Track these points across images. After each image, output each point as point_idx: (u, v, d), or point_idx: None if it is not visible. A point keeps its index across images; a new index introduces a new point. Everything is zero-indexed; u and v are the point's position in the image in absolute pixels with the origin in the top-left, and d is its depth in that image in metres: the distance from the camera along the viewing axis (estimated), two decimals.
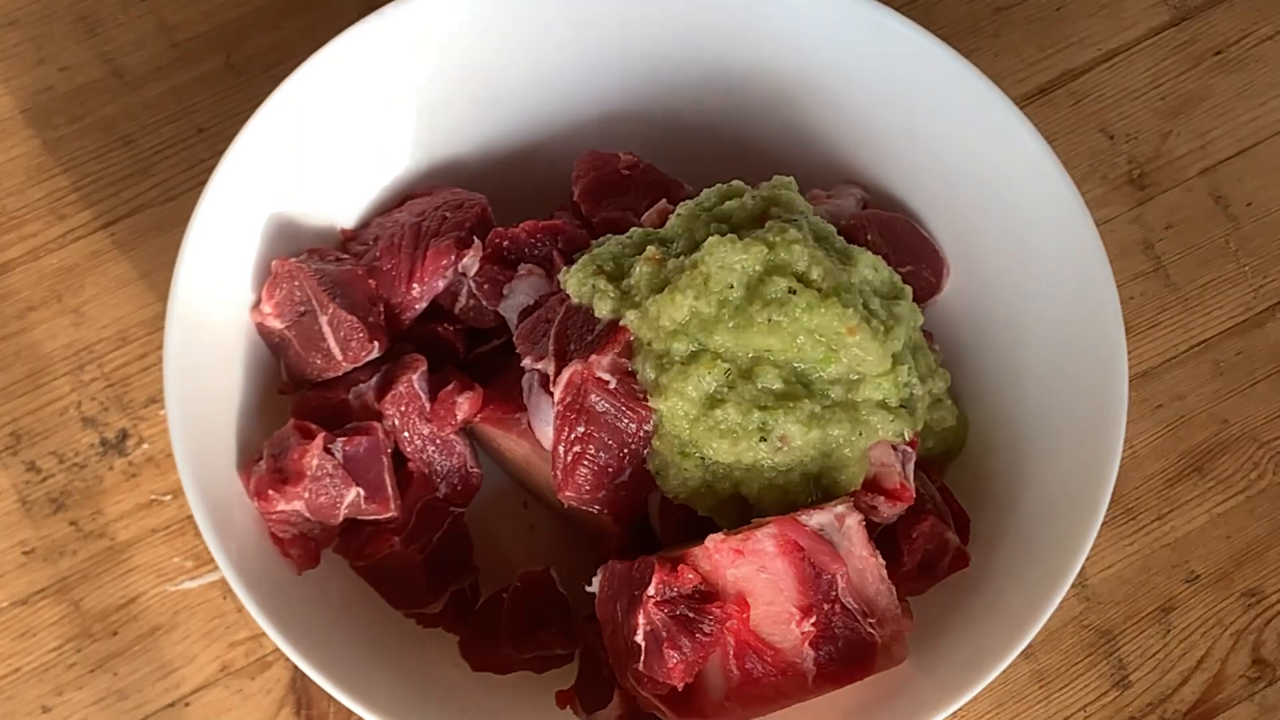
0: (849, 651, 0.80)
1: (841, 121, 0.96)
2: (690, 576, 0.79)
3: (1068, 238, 0.90)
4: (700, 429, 0.82)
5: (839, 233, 0.91)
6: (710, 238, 0.83)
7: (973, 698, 0.81)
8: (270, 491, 0.85)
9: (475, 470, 0.91)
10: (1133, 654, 0.99)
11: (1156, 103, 1.08)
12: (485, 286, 0.91)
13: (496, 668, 0.90)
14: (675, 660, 0.78)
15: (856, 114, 0.95)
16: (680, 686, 0.79)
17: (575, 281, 0.86)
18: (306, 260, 0.89)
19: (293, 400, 0.90)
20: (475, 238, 0.91)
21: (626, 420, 0.83)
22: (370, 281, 0.91)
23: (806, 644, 0.80)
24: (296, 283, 0.88)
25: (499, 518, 0.96)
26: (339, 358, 0.89)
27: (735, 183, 0.90)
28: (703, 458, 0.83)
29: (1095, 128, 1.08)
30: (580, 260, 0.87)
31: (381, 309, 0.91)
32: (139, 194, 1.03)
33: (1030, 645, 0.84)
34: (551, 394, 0.85)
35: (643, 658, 0.79)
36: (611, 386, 0.83)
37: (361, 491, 0.86)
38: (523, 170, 0.98)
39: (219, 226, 0.88)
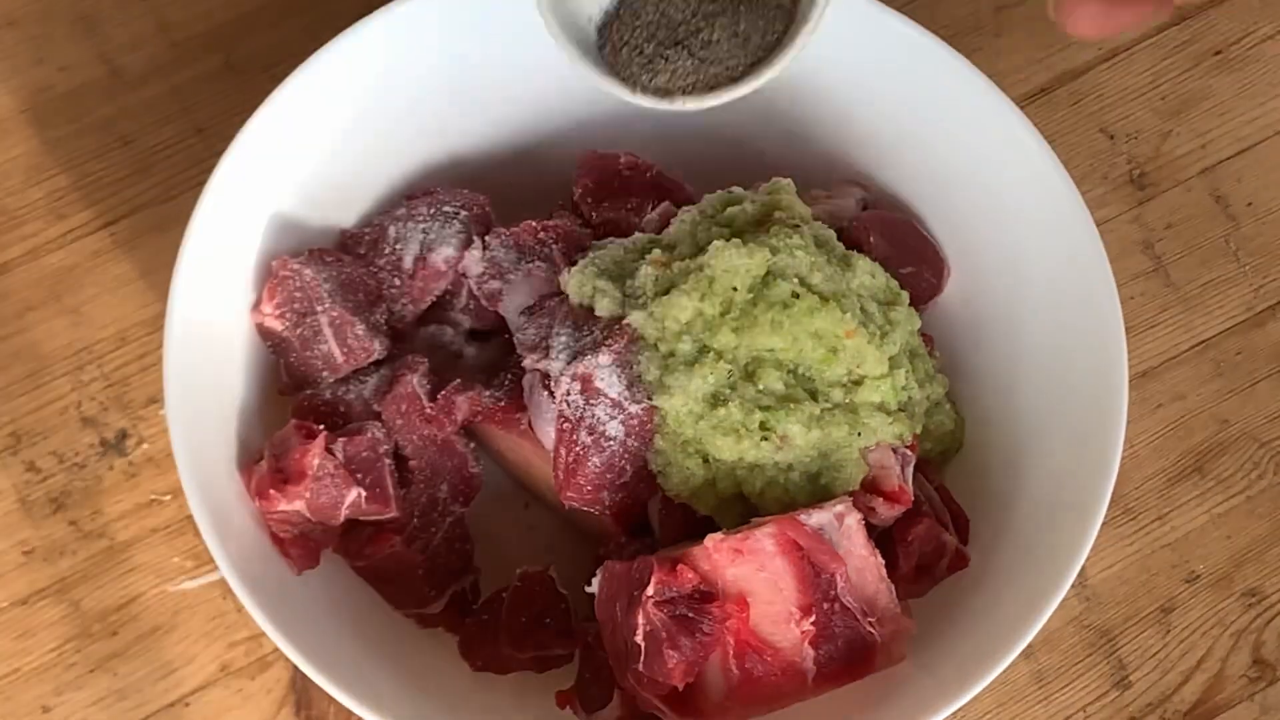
0: (849, 651, 0.80)
1: (841, 121, 0.96)
2: (689, 576, 0.79)
3: (1068, 238, 0.90)
4: (704, 427, 0.83)
5: (841, 234, 0.91)
6: (715, 242, 0.84)
7: (973, 698, 0.81)
8: (271, 491, 0.85)
9: (476, 471, 0.91)
10: (1133, 654, 0.99)
11: (1156, 103, 1.08)
12: (485, 286, 0.91)
13: (496, 668, 0.90)
14: (675, 660, 0.78)
15: (856, 114, 0.95)
16: (680, 686, 0.79)
17: (576, 282, 0.86)
18: (307, 260, 0.89)
19: (293, 401, 0.90)
20: (475, 238, 0.91)
21: (629, 420, 0.83)
22: (371, 282, 0.91)
23: (806, 643, 0.80)
24: (297, 283, 0.88)
25: (499, 518, 0.96)
26: (339, 359, 0.89)
27: (735, 189, 0.90)
28: (706, 456, 0.84)
29: (1095, 128, 1.08)
30: (581, 262, 0.88)
31: (382, 310, 0.91)
32: (139, 194, 1.03)
33: (1030, 645, 0.84)
34: (552, 394, 0.85)
35: (642, 658, 0.79)
36: (614, 386, 0.83)
37: (362, 492, 0.86)
38: (523, 170, 0.98)
39: (219, 226, 0.88)
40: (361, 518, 0.88)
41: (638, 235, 0.89)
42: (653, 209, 0.92)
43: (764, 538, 0.79)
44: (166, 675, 0.95)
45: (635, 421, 0.83)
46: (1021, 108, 0.92)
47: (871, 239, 0.92)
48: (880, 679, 0.82)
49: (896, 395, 0.85)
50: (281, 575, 0.87)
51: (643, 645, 0.79)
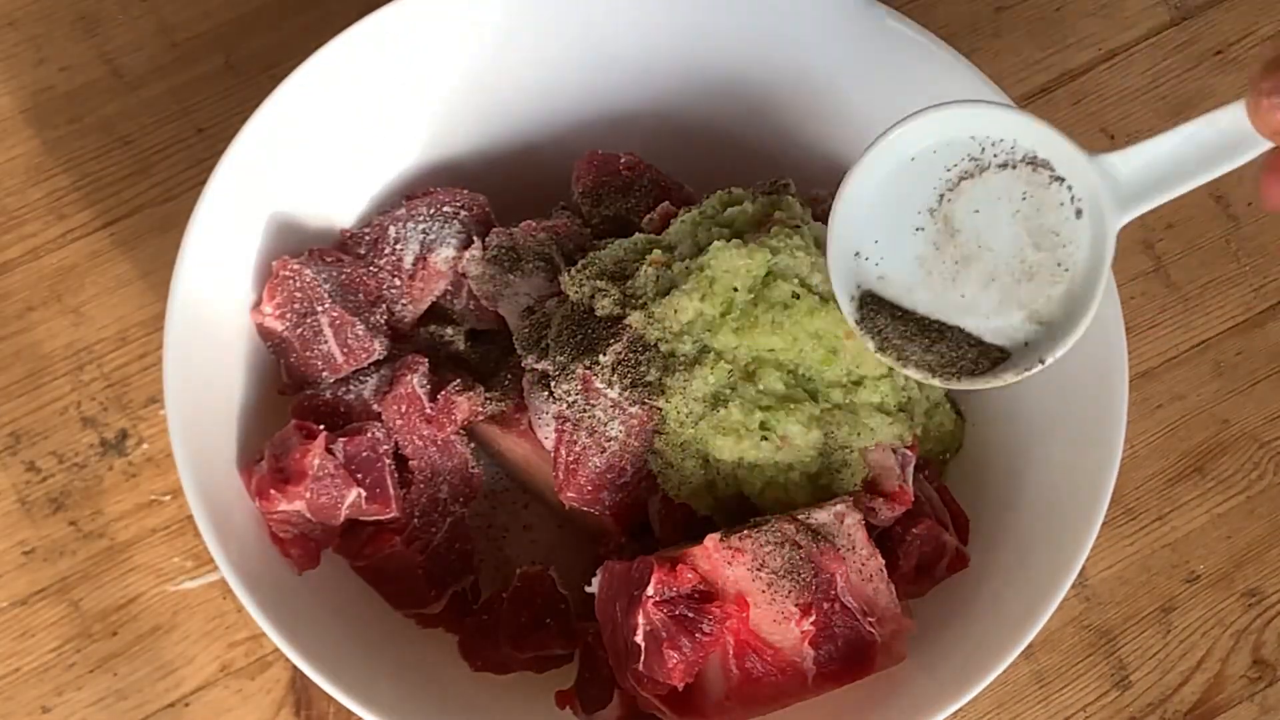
0: (849, 650, 0.80)
1: (841, 121, 0.96)
2: (689, 576, 0.79)
3: None
4: (704, 427, 0.83)
5: None
6: (715, 242, 0.84)
7: (973, 698, 0.81)
8: (272, 491, 0.85)
9: (476, 471, 0.91)
10: (1133, 654, 0.99)
11: (1156, 103, 1.08)
12: (485, 287, 0.91)
13: (496, 668, 0.90)
14: (675, 660, 0.78)
15: (856, 114, 0.95)
16: (680, 686, 0.79)
17: (576, 282, 0.86)
18: (307, 261, 0.89)
19: (293, 401, 0.90)
20: (475, 238, 0.91)
21: (629, 420, 0.83)
22: (371, 282, 0.91)
23: (806, 643, 0.80)
24: (297, 284, 0.88)
25: (499, 518, 0.96)
26: (340, 359, 0.89)
27: (736, 190, 0.90)
28: (705, 457, 0.84)
29: (1095, 128, 1.08)
30: (581, 262, 0.88)
31: (382, 310, 0.91)
32: (139, 194, 1.03)
33: (1030, 645, 0.84)
34: (552, 394, 0.85)
35: (642, 658, 0.79)
36: (614, 387, 0.83)
37: (362, 492, 0.86)
38: (523, 170, 0.98)
39: (219, 226, 0.88)
40: (362, 518, 0.88)
41: (638, 235, 0.89)
42: (653, 209, 0.92)
43: (763, 537, 0.79)
44: (166, 675, 0.95)
45: (635, 422, 0.83)
46: (1022, 108, 0.91)
47: None
48: (880, 679, 0.82)
49: (896, 396, 0.85)
50: (281, 575, 0.87)
51: (643, 645, 0.79)
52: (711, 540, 0.79)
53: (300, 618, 0.84)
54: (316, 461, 0.85)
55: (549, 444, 0.86)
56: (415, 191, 0.94)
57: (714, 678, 0.80)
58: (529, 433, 0.88)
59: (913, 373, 0.79)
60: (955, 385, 0.79)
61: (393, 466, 0.88)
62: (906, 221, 0.79)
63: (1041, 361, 0.77)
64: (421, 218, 0.92)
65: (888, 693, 0.83)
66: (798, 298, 0.83)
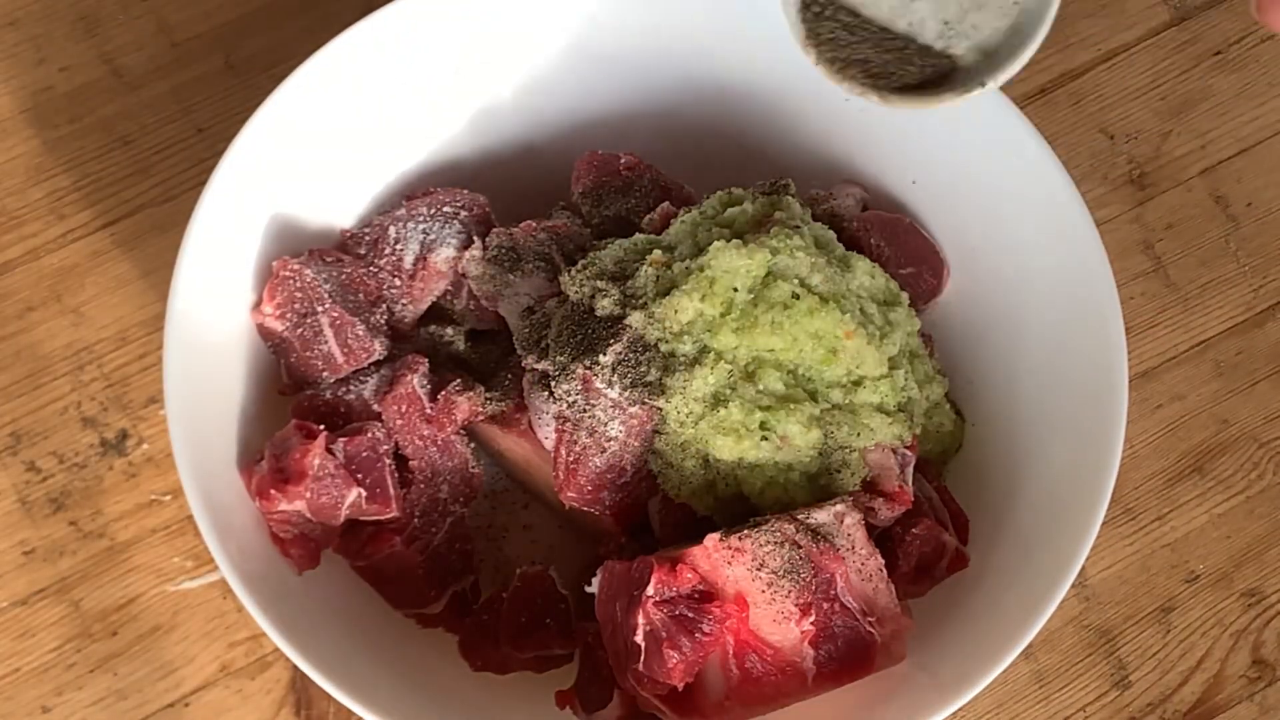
0: (849, 650, 0.80)
1: (841, 121, 0.96)
2: (689, 576, 0.79)
3: (1068, 238, 0.90)
4: (704, 427, 0.83)
5: (842, 234, 0.91)
6: (715, 242, 0.84)
7: (973, 698, 0.81)
8: (272, 491, 0.85)
9: (476, 471, 0.91)
10: (1133, 654, 0.99)
11: (1156, 103, 1.08)
12: (484, 287, 0.91)
13: (496, 668, 0.90)
14: (675, 660, 0.78)
15: (856, 114, 0.95)
16: (680, 686, 0.79)
17: (576, 282, 0.86)
18: (307, 261, 0.89)
19: (293, 401, 0.90)
20: (475, 238, 0.91)
21: (629, 420, 0.83)
22: (371, 282, 0.91)
23: (806, 643, 0.80)
24: (297, 284, 0.88)
25: (499, 518, 0.96)
26: (340, 360, 0.89)
27: (736, 190, 0.90)
28: (705, 457, 0.84)
29: (1095, 128, 1.08)
30: (581, 262, 0.88)
31: (382, 310, 0.91)
32: (139, 194, 1.03)
33: (1030, 645, 0.84)
34: (552, 394, 0.85)
35: (642, 658, 0.79)
36: (614, 387, 0.83)
37: (362, 492, 0.86)
38: (523, 170, 0.98)
39: (219, 226, 0.88)
40: (362, 518, 0.88)
41: (638, 235, 0.89)
42: (653, 209, 0.92)
43: (763, 537, 0.79)
44: (166, 675, 0.95)
45: (635, 422, 0.84)
46: (1021, 108, 0.92)
47: (871, 239, 0.92)
48: (880, 679, 0.82)
49: (896, 396, 0.86)
50: (281, 575, 0.87)
51: (643, 645, 0.79)
52: (711, 540, 0.79)
53: (300, 618, 0.84)
54: (316, 461, 0.85)
55: (549, 444, 0.86)
56: (415, 191, 0.94)
57: (714, 678, 0.80)
58: (529, 433, 0.88)
59: (853, 87, 0.77)
60: (894, 103, 0.77)
61: (393, 466, 0.88)
62: None
63: (982, 85, 0.76)
64: (421, 218, 0.92)
65: (888, 693, 0.83)
66: (798, 298, 0.83)
